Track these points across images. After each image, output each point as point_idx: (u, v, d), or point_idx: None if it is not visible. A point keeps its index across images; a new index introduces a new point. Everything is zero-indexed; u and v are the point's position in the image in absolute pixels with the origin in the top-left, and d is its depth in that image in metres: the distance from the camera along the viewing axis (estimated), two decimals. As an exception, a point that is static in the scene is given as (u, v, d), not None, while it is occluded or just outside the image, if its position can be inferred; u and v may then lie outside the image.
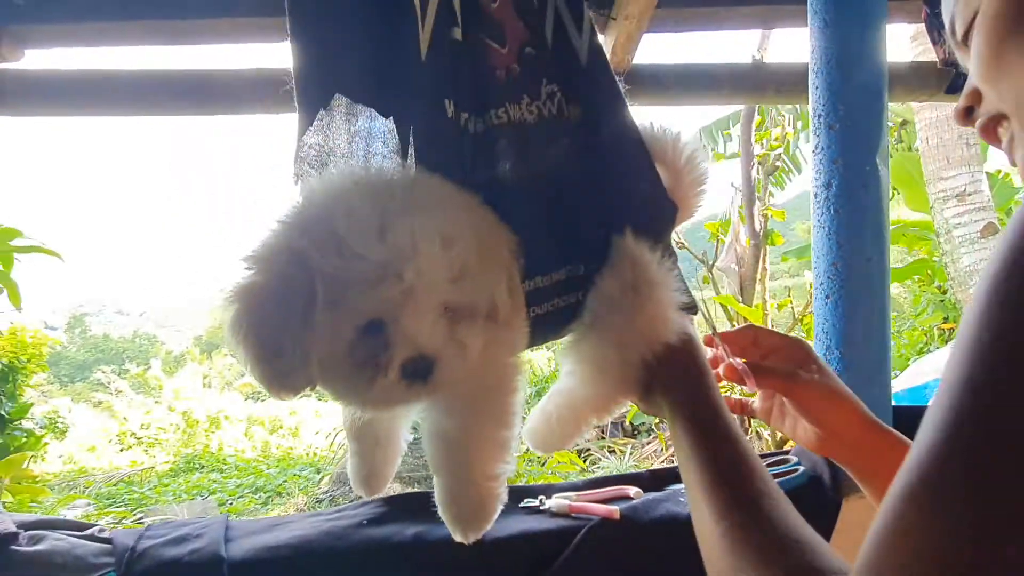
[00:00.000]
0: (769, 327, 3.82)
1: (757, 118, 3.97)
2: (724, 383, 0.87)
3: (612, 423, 6.90)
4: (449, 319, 0.59)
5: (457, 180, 0.71)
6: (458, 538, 0.73)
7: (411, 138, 0.70)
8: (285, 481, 8.21)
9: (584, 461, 5.13)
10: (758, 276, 3.87)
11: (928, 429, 0.39)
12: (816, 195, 1.30)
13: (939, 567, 0.34)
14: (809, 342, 1.00)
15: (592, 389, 0.83)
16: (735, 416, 0.90)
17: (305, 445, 11.12)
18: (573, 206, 0.80)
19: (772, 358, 0.91)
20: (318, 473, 8.53)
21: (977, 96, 0.66)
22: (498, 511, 0.73)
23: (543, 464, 4.48)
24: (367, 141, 0.71)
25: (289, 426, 12.59)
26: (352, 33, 0.71)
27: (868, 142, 1.25)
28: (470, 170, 0.73)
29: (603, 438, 6.57)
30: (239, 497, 7.56)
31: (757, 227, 3.89)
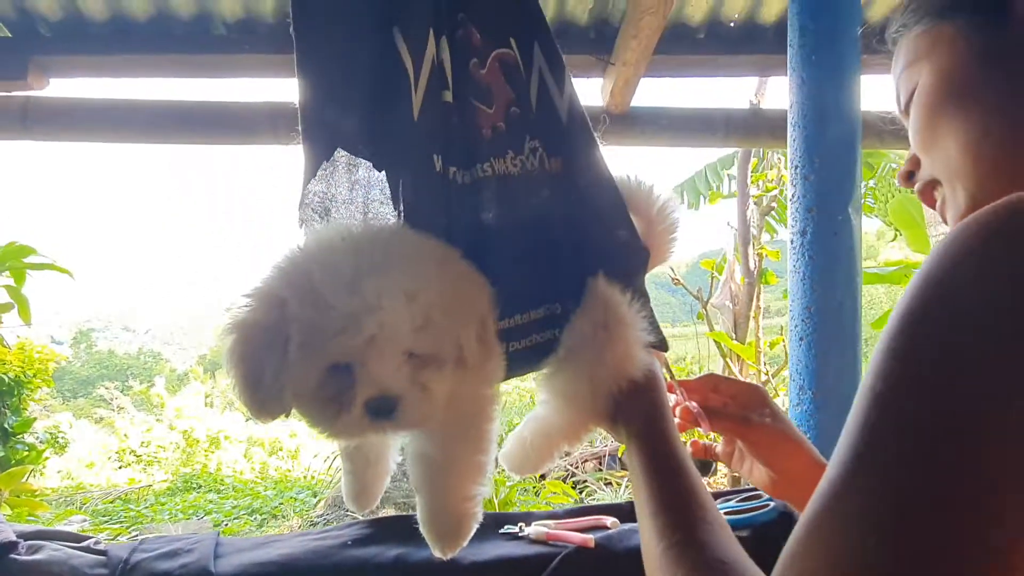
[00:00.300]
0: (761, 364, 3.86)
1: (754, 160, 4.06)
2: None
3: (610, 456, 6.89)
4: (414, 364, 0.66)
5: (443, 225, 0.78)
6: (437, 554, 0.78)
7: (400, 189, 0.77)
8: (281, 503, 8.19)
9: (580, 492, 5.14)
10: (752, 314, 3.92)
11: (831, 465, 0.44)
12: (792, 242, 1.36)
13: None
14: (766, 388, 1.07)
15: (564, 418, 0.88)
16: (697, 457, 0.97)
17: (303, 468, 11.09)
18: (552, 250, 0.87)
19: (731, 403, 0.97)
20: (315, 496, 8.51)
21: (917, 162, 0.72)
22: (474, 529, 0.79)
23: (537, 494, 4.50)
24: (366, 190, 0.78)
25: (289, 448, 12.56)
26: (352, 91, 0.78)
27: (841, 192, 1.32)
28: (457, 216, 0.80)
29: (600, 470, 6.56)
30: (235, 518, 7.54)
31: (752, 266, 3.96)
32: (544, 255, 0.86)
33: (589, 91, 2.47)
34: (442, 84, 0.80)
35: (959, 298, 0.42)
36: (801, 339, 1.34)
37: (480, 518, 0.81)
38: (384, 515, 1.35)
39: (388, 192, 0.80)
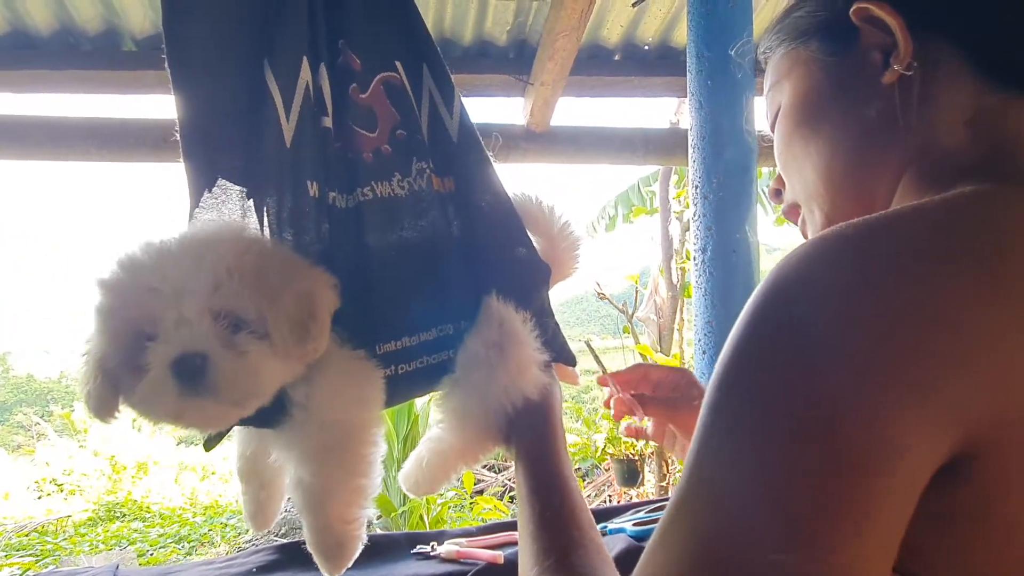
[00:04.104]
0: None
1: (675, 177, 4.18)
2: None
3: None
4: (223, 325, 0.64)
5: (318, 249, 0.78)
6: (325, 573, 0.78)
7: (265, 217, 0.77)
8: (210, 530, 7.90)
9: (511, 505, 5.14)
10: (676, 326, 4.03)
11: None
12: (695, 259, 1.41)
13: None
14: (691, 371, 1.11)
15: (459, 437, 0.89)
16: (635, 440, 1.00)
17: (234, 493, 10.74)
18: (444, 271, 0.87)
19: (661, 389, 1.01)
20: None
21: (782, 181, 0.74)
22: (358, 549, 0.78)
23: (470, 509, 4.48)
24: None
25: (222, 473, 12.14)
26: (221, 119, 0.78)
27: (738, 211, 1.38)
28: (337, 240, 0.80)
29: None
30: (161, 547, 7.23)
31: (675, 280, 4.06)
32: (434, 276, 0.86)
33: (510, 110, 2.51)
34: (320, 111, 0.80)
35: (772, 320, 0.45)
36: (704, 352, 1.39)
37: (364, 538, 0.81)
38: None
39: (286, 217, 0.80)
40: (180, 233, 0.71)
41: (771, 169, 3.27)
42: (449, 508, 4.12)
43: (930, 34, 0.57)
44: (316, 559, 0.80)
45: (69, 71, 2.14)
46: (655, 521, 1.37)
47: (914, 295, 0.42)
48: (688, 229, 3.97)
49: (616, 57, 2.53)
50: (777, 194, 0.77)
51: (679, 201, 4.01)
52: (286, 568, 1.24)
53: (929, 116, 0.57)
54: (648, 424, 1.06)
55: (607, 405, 1.03)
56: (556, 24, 2.03)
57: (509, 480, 6.16)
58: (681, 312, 3.98)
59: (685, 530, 0.43)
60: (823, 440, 0.41)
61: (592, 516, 0.75)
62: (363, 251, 0.82)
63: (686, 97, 2.84)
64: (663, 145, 2.71)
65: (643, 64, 2.53)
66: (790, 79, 0.67)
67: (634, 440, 1.10)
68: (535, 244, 0.95)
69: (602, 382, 1.02)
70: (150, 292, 0.62)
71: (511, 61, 2.44)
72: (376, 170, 0.83)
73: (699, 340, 1.41)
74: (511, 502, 5.14)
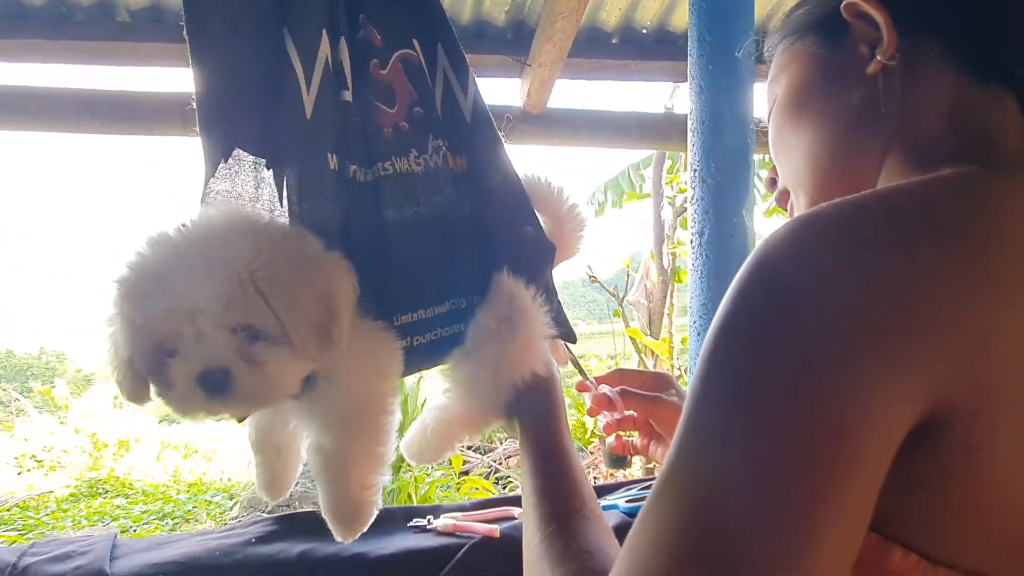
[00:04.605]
0: (675, 359, 4.01)
1: (668, 163, 4.21)
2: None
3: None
4: (241, 338, 0.66)
5: (336, 221, 0.79)
6: (339, 539, 0.80)
7: (285, 187, 0.78)
8: (195, 507, 7.90)
9: (503, 489, 5.19)
10: (666, 311, 4.07)
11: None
12: (692, 242, 1.44)
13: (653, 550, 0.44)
14: (670, 374, 1.13)
15: (465, 408, 0.91)
16: (621, 455, 1.03)
17: (219, 470, 10.72)
18: (456, 247, 0.89)
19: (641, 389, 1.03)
20: (231, 499, 8.25)
21: (776, 170, 0.78)
22: (373, 515, 0.80)
23: (457, 490, 4.52)
24: (272, 187, 0.78)
25: (205, 451, 12.12)
26: (242, 90, 0.78)
27: (736, 196, 1.40)
28: (356, 213, 0.81)
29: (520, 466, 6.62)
30: (144, 523, 7.22)
31: (666, 264, 4.10)
32: (448, 251, 0.88)
33: (507, 91, 2.51)
34: (340, 84, 0.80)
35: (755, 298, 0.47)
36: (699, 333, 1.42)
37: (380, 504, 0.83)
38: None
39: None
40: (188, 229, 0.71)
41: (765, 157, 3.31)
42: (437, 488, 4.15)
43: (914, 29, 0.60)
44: (331, 525, 0.82)
45: (63, 41, 2.11)
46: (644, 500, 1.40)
47: (892, 271, 0.45)
48: (680, 214, 4.01)
49: (614, 40, 2.54)
50: (772, 183, 0.82)
51: (672, 186, 4.04)
52: (285, 538, 1.26)
53: (911, 105, 0.61)
54: (634, 437, 1.09)
55: (591, 414, 1.05)
56: (556, 5, 2.03)
57: (495, 462, 6.22)
58: (671, 297, 4.02)
59: (671, 504, 0.45)
60: (803, 406, 0.43)
61: (592, 488, 0.78)
62: (382, 225, 0.83)
63: (682, 82, 2.85)
64: (658, 130, 2.73)
65: (640, 48, 2.54)
66: (787, 72, 0.71)
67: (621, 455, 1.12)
68: (542, 224, 0.97)
69: (581, 387, 1.04)
70: (166, 312, 0.64)
71: (509, 42, 2.44)
72: (395, 146, 0.84)
73: (694, 322, 1.44)
74: (497, 483, 5.19)
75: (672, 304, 4.05)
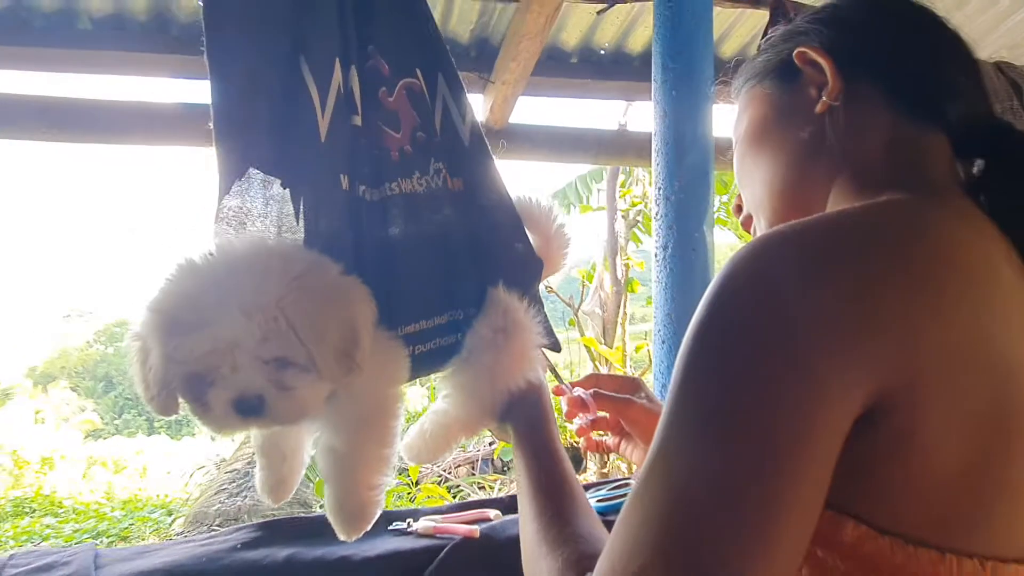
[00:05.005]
0: (628, 367, 4.13)
1: (622, 177, 4.35)
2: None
3: (483, 460, 7.01)
4: (273, 367, 0.72)
5: (349, 239, 0.84)
6: (342, 537, 0.84)
7: (302, 206, 0.83)
8: (132, 524, 7.62)
9: (454, 497, 5.21)
10: (619, 320, 4.19)
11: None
12: (656, 255, 1.53)
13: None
14: (642, 378, 1.22)
15: (463, 411, 0.96)
16: (594, 453, 1.10)
17: (154, 487, 10.34)
18: (454, 262, 0.94)
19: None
20: (169, 515, 7.99)
21: (742, 198, 0.87)
22: (377, 515, 0.85)
23: (412, 499, 4.53)
24: (280, 204, 0.83)
25: (136, 467, 11.66)
26: (260, 113, 0.82)
27: (698, 212, 1.50)
28: (365, 231, 0.86)
29: (473, 474, 6.67)
30: (77, 543, 6.93)
31: (619, 275, 4.24)
32: (446, 266, 0.94)
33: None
34: (351, 109, 0.86)
35: (724, 308, 0.54)
36: (663, 342, 1.50)
37: (383, 505, 0.88)
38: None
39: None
40: (216, 259, 0.76)
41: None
42: (394, 496, 4.16)
43: (857, 75, 0.70)
44: (336, 524, 0.86)
45: (22, 47, 2.07)
46: (618, 497, 1.48)
47: (840, 282, 0.52)
48: (633, 226, 4.14)
49: (573, 60, 2.64)
50: (739, 209, 0.90)
51: (625, 200, 4.17)
52: (269, 544, 1.28)
53: (854, 139, 0.70)
54: (607, 437, 1.17)
55: (568, 417, 1.12)
56: (522, 27, 2.11)
57: (444, 471, 6.25)
58: (624, 307, 4.15)
59: (653, 494, 0.52)
60: (766, 402, 0.50)
61: (580, 483, 0.85)
62: (387, 241, 0.89)
63: (636, 101, 2.98)
64: (613, 146, 2.84)
65: (598, 68, 2.65)
66: (747, 111, 0.80)
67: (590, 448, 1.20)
68: (531, 241, 1.04)
69: (557, 391, 1.12)
70: (207, 352, 0.70)
71: (472, 59, 2.51)
72: (401, 168, 0.90)
73: (659, 331, 1.52)
74: (449, 491, 5.21)
75: (625, 314, 4.17)
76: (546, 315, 1.04)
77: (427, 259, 0.92)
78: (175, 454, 12.61)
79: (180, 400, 0.75)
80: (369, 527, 0.87)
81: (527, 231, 1.03)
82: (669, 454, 0.52)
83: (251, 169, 0.83)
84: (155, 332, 0.72)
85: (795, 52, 0.72)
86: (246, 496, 4.78)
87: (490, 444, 7.06)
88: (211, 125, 0.83)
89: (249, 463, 5.13)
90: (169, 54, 2.18)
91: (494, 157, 0.99)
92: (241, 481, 4.94)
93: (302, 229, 0.84)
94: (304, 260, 0.78)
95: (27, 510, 8.82)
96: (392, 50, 0.91)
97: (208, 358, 0.70)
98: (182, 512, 7.55)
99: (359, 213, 0.87)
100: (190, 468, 9.25)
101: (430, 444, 0.98)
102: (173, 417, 0.79)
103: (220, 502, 4.72)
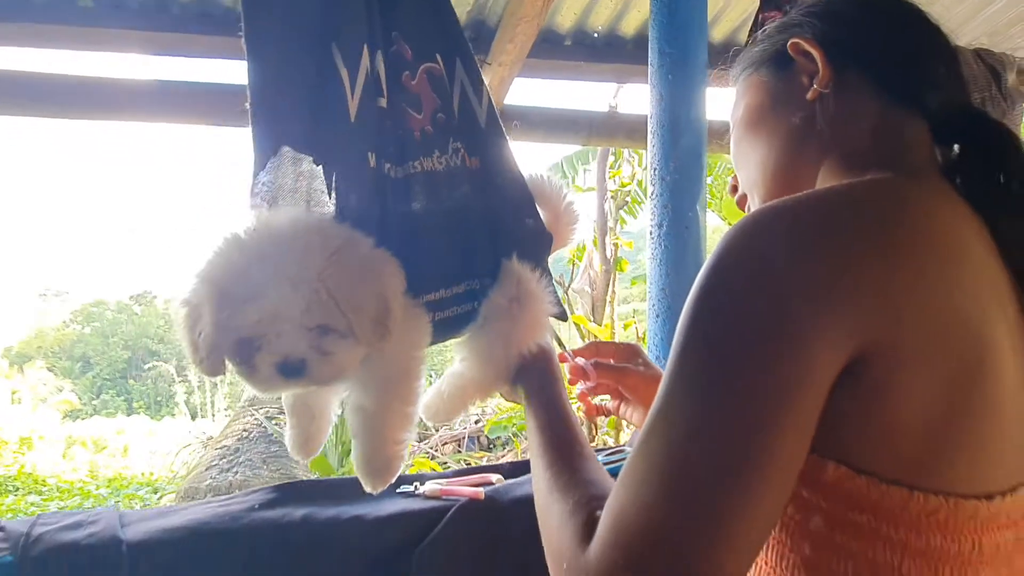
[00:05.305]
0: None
1: (611, 158, 4.41)
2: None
3: (469, 437, 7.11)
4: (315, 334, 0.80)
5: (376, 212, 0.90)
6: (368, 489, 0.90)
7: (335, 182, 0.89)
8: (118, 502, 7.65)
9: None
10: (608, 298, 4.28)
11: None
12: (651, 233, 1.60)
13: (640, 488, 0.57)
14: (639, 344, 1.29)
15: (479, 374, 1.03)
16: (595, 417, 1.17)
17: (137, 465, 10.34)
18: (471, 235, 1.01)
19: (613, 360, 1.18)
20: (155, 492, 8.02)
21: (737, 178, 0.94)
22: (400, 469, 0.92)
23: (406, 471, 4.61)
24: (310, 180, 0.89)
25: (116, 447, 11.63)
26: (294, 96, 0.88)
27: (691, 192, 1.57)
28: (390, 205, 0.92)
29: (459, 452, 6.77)
30: (66, 519, 6.92)
31: (608, 254, 4.32)
32: (464, 239, 1.00)
33: (466, 87, 2.61)
34: (377, 92, 0.92)
35: (721, 277, 0.61)
36: (657, 316, 1.58)
37: (406, 459, 0.95)
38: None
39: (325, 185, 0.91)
40: (259, 233, 0.82)
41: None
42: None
43: (845, 64, 0.77)
44: (364, 477, 0.93)
45: (22, 24, 2.08)
46: (613, 463, 1.56)
47: (826, 251, 0.58)
48: (622, 207, 4.22)
49: (567, 43, 2.69)
50: (734, 189, 0.97)
51: (614, 181, 4.24)
52: (286, 504, 1.34)
53: (842, 124, 0.76)
54: (607, 401, 1.24)
55: (570, 384, 1.17)
56: (519, 9, 2.16)
57: (431, 448, 6.35)
58: (613, 285, 4.23)
59: (657, 442, 0.58)
60: (762, 356, 0.56)
61: (586, 437, 0.92)
62: (410, 216, 0.95)
63: (627, 83, 3.04)
64: (605, 127, 2.90)
65: (592, 50, 2.70)
66: (744, 98, 0.87)
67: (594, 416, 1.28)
68: (542, 216, 1.10)
69: (561, 358, 1.19)
70: (257, 321, 0.77)
71: (469, 41, 2.54)
72: (422, 147, 0.96)
73: (653, 305, 1.60)
74: (441, 466, 5.31)
75: (613, 292, 4.26)
76: (555, 287, 1.11)
77: (446, 232, 0.98)
78: (156, 434, 12.60)
79: (226, 362, 0.81)
80: (394, 479, 0.94)
81: (538, 207, 1.09)
82: (672, 407, 0.58)
83: (284, 147, 0.89)
84: (208, 301, 0.78)
85: (789, 43, 0.78)
86: (236, 472, 4.84)
87: (476, 422, 7.16)
88: (247, 105, 0.89)
89: (240, 439, 5.19)
90: (171, 32, 2.20)
91: (508, 138, 1.06)
92: (231, 457, 5.00)
93: (331, 203, 0.90)
94: (340, 236, 0.84)
95: (10, 488, 8.80)
96: (415, 36, 0.97)
97: (257, 326, 0.77)
98: (168, 489, 7.59)
99: (385, 189, 0.93)
100: (172, 448, 9.27)
101: (447, 404, 1.05)
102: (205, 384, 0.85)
103: (211, 477, 4.77)
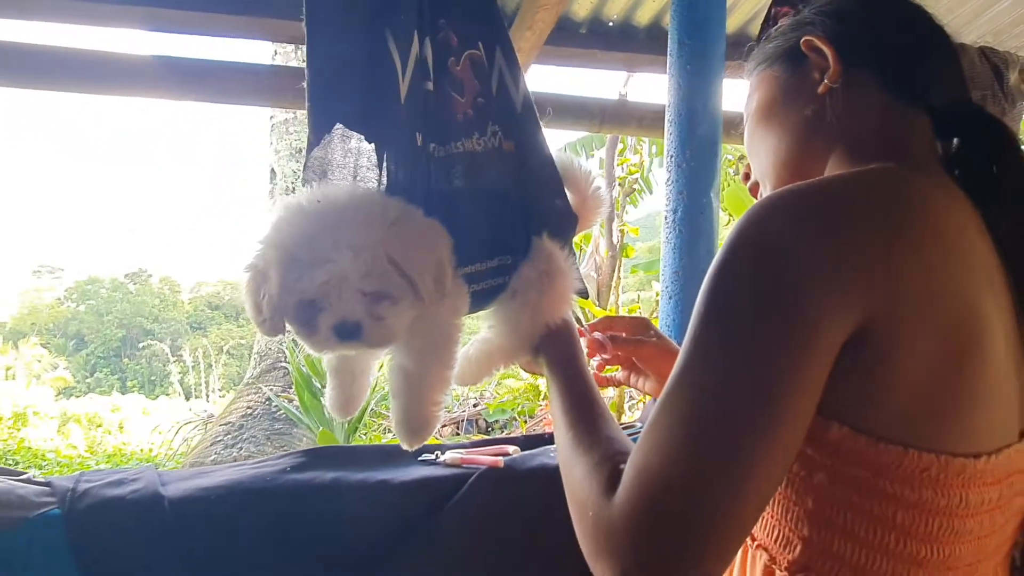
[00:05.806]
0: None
1: (619, 146, 4.46)
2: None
3: (468, 421, 7.20)
4: (370, 300, 0.86)
5: (422, 188, 0.96)
6: (405, 447, 0.97)
7: (386, 159, 0.95)
8: (121, 476, 7.68)
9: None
10: (613, 284, 4.34)
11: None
12: (666, 218, 1.66)
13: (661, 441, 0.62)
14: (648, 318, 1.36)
15: (506, 341, 1.09)
16: (604, 388, 1.23)
17: (136, 441, 10.40)
18: (506, 213, 1.07)
19: (626, 333, 1.24)
20: (157, 468, 8.06)
21: (750, 167, 0.99)
22: (436, 428, 0.99)
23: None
24: (356, 157, 0.95)
25: (111, 424, 11.69)
26: (351, 79, 0.94)
27: (706, 179, 1.63)
28: (434, 182, 0.99)
29: (458, 434, 6.86)
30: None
31: (614, 240, 4.38)
32: (499, 216, 1.06)
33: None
34: (425, 76, 0.98)
35: (736, 256, 0.66)
36: (670, 297, 1.64)
37: (442, 419, 1.01)
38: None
39: (374, 160, 0.98)
40: (319, 204, 0.88)
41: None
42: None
43: (854, 61, 0.82)
44: (402, 435, 1.00)
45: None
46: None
47: (835, 232, 0.63)
48: (629, 194, 4.27)
49: (582, 31, 2.73)
50: (747, 177, 1.02)
51: (623, 168, 4.29)
52: (315, 468, 1.41)
53: (850, 117, 0.82)
54: (618, 372, 1.30)
55: (589, 357, 1.24)
56: (538, -2, 2.20)
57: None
58: (619, 271, 4.29)
59: (681, 398, 0.62)
60: (775, 325, 0.61)
61: (606, 404, 0.98)
62: (451, 193, 1.01)
63: (638, 72, 3.08)
64: (616, 115, 2.94)
65: (606, 39, 2.74)
66: (758, 91, 0.92)
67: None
68: (569, 198, 1.17)
69: (579, 333, 1.25)
70: (322, 284, 0.83)
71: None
72: (464, 129, 1.02)
73: (666, 287, 1.66)
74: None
75: (619, 278, 4.33)
76: (578, 265, 1.17)
77: (483, 209, 1.05)
78: (152, 411, 12.67)
79: (285, 324, 0.88)
80: (429, 438, 1.01)
81: (566, 189, 1.15)
82: (694, 371, 0.64)
83: (337, 125, 0.95)
84: (276, 265, 0.84)
85: (802, 40, 0.84)
86: (241, 448, 4.91)
87: (474, 406, 7.25)
88: (304, 85, 0.95)
89: (244, 416, 5.26)
90: (176, 9, 2.24)
91: (541, 124, 1.11)
92: (236, 433, 5.07)
93: (377, 179, 0.96)
94: (396, 207, 0.91)
95: (10, 462, 8.85)
96: (460, 25, 1.03)
97: (322, 289, 0.83)
98: (169, 465, 7.65)
99: (429, 167, 0.99)
100: (167, 425, 9.33)
101: (474, 368, 1.11)
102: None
103: (216, 453, 4.85)
